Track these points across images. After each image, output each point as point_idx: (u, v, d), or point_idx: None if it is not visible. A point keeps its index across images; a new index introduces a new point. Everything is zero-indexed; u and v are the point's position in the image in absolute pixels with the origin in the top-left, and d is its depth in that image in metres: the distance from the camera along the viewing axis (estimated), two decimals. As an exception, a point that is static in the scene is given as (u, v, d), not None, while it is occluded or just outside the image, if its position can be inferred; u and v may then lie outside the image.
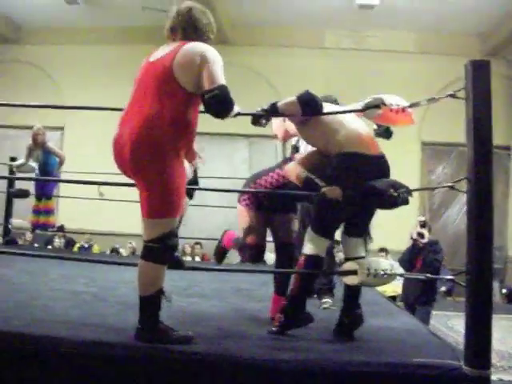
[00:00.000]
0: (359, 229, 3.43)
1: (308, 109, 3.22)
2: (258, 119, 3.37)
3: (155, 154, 2.73)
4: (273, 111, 3.31)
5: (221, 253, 4.03)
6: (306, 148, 3.98)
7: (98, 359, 2.65)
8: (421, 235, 6.60)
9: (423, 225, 6.75)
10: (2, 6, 11.90)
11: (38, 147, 7.76)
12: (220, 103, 2.78)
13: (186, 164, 3.08)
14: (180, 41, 2.93)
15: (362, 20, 11.45)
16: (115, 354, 2.67)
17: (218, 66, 2.81)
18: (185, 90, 2.78)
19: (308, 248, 3.28)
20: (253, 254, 3.80)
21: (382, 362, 2.73)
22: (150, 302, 2.80)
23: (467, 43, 11.93)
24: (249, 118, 3.45)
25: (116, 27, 12.52)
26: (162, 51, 2.91)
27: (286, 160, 3.87)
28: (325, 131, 3.32)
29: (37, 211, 8.00)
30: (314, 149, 3.53)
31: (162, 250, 2.78)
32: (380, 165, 3.24)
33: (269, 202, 3.80)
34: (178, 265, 3.20)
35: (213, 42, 3.06)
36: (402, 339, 3.38)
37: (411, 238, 6.70)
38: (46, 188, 8.00)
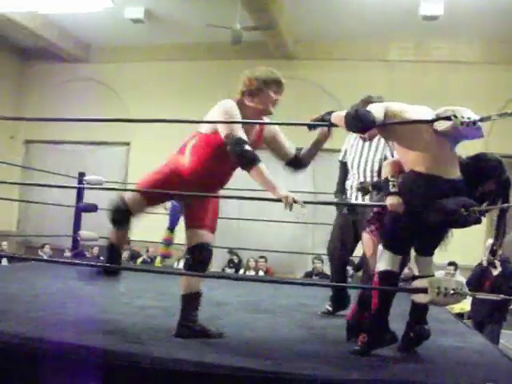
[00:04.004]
0: (430, 248, 3.35)
1: (351, 127, 3.13)
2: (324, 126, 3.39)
3: None
4: (325, 120, 3.34)
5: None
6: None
7: (168, 375, 2.69)
8: (492, 264, 6.49)
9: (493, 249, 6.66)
10: (71, 27, 12.41)
11: None
12: None
13: None
14: None
15: (426, 31, 11.24)
16: (182, 370, 2.69)
17: None
18: None
19: (380, 264, 3.23)
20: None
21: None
22: (187, 301, 3.41)
23: (536, 52, 11.56)
24: (313, 135, 3.48)
25: (179, 44, 12.79)
26: None
27: None
28: (401, 143, 3.21)
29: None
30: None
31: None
32: (454, 189, 3.06)
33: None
34: None
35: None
36: (471, 360, 3.28)
37: (480, 264, 6.63)
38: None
